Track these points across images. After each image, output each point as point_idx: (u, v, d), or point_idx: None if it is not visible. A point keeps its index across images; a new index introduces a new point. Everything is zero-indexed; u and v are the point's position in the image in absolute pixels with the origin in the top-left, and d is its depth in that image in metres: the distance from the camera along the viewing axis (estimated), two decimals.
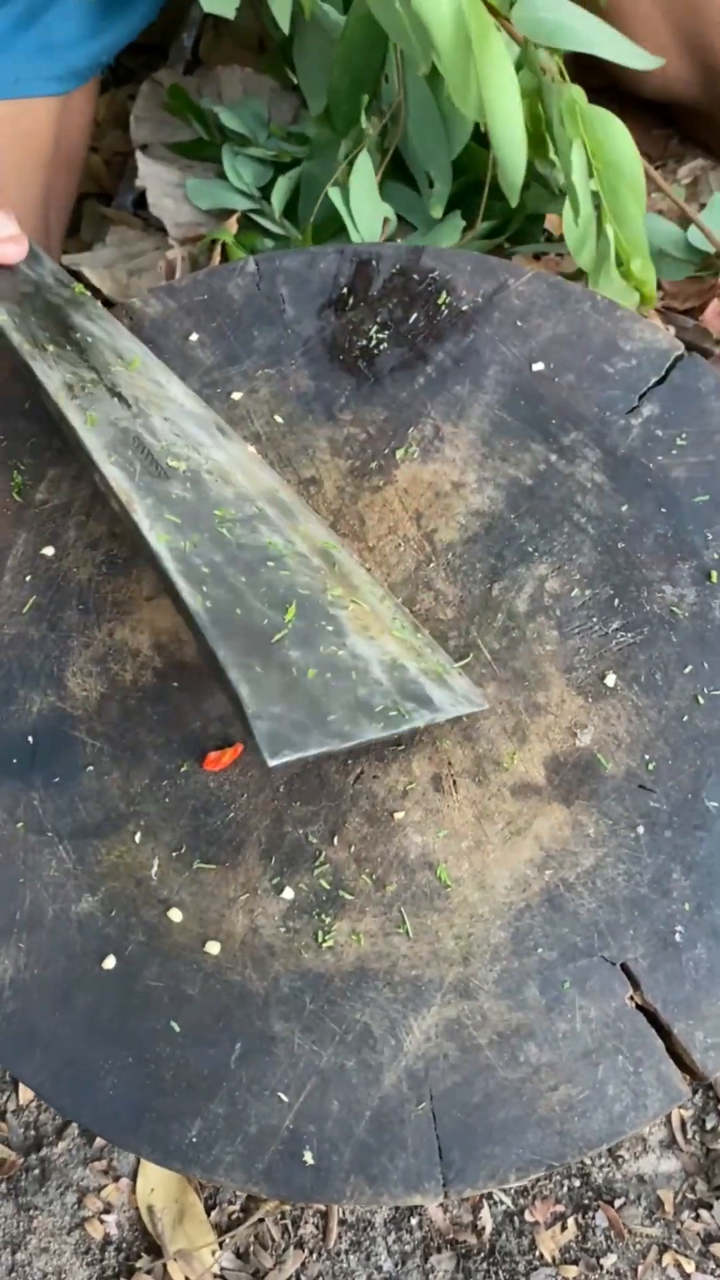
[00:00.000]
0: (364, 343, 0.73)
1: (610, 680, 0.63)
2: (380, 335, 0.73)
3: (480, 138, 0.92)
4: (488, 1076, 0.56)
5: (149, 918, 0.59)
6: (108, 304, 1.27)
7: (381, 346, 0.72)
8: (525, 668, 0.64)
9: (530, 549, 0.67)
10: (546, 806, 0.61)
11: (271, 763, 0.48)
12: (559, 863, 0.59)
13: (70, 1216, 0.95)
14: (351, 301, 0.74)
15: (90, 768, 0.62)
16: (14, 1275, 0.93)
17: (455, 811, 0.61)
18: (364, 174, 0.87)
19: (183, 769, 0.62)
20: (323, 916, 0.59)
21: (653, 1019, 0.57)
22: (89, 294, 0.69)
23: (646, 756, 0.61)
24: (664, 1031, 0.57)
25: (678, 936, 0.58)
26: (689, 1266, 0.92)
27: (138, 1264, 0.93)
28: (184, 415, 0.61)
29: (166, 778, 0.62)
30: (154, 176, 1.18)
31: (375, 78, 0.92)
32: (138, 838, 0.61)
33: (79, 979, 0.58)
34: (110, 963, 0.58)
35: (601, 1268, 0.92)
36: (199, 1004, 0.57)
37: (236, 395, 0.72)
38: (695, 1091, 0.96)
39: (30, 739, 0.63)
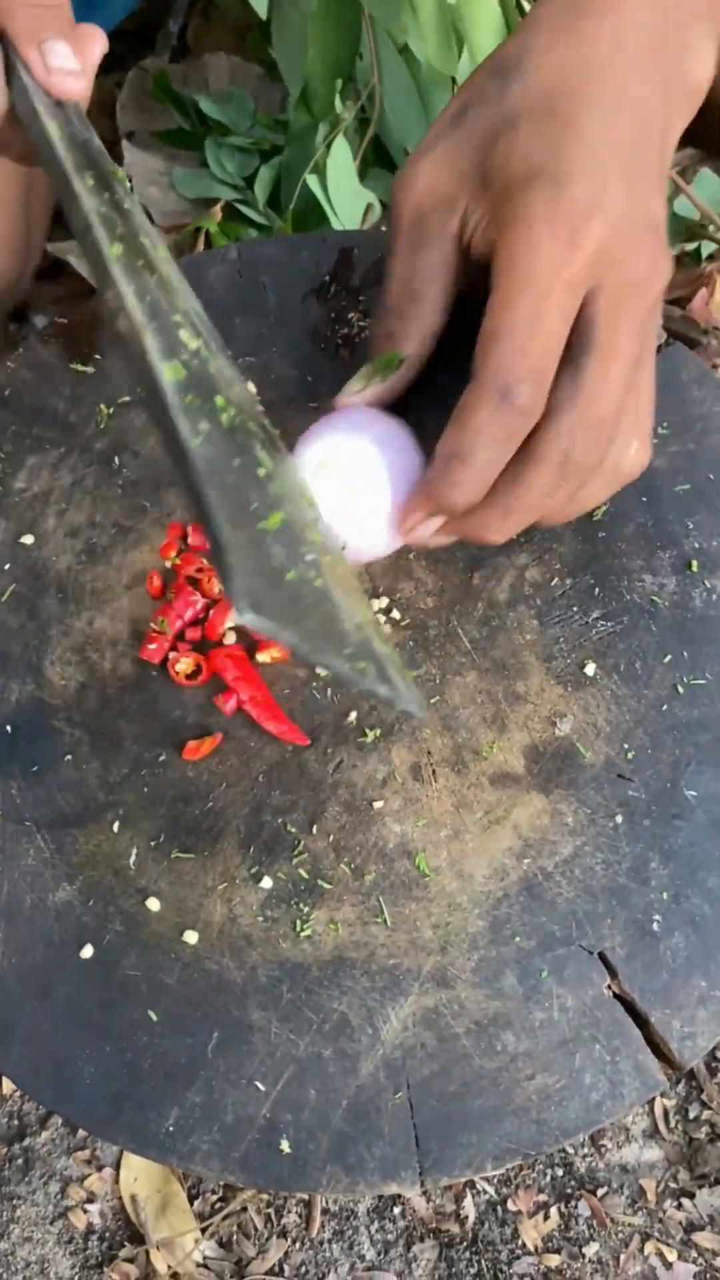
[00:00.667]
0: (346, 331, 0.72)
1: (590, 669, 0.63)
2: (362, 323, 0.72)
3: None
4: (465, 1065, 0.56)
5: (127, 907, 0.59)
6: (91, 292, 1.27)
7: (364, 335, 0.72)
8: (505, 657, 0.64)
9: (511, 538, 0.66)
10: (525, 795, 0.61)
11: (242, 617, 0.43)
12: (537, 851, 0.59)
13: (53, 1206, 0.95)
14: (334, 290, 0.74)
15: (69, 757, 0.62)
16: None
17: (434, 800, 0.61)
18: (341, 159, 0.87)
19: (161, 758, 0.62)
20: (301, 906, 0.59)
21: (630, 1008, 0.57)
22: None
23: (625, 746, 0.61)
24: (641, 1020, 0.57)
25: (655, 925, 0.58)
26: (671, 1255, 0.93)
27: (120, 1253, 0.93)
28: (198, 317, 0.58)
29: (145, 767, 0.62)
30: (140, 165, 1.17)
31: (350, 56, 0.91)
32: (116, 827, 0.60)
33: (57, 968, 0.58)
34: (88, 952, 0.58)
35: (584, 1256, 0.93)
36: (176, 993, 0.57)
37: None
38: (678, 1081, 0.97)
39: (8, 728, 0.63)
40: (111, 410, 0.70)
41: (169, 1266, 0.92)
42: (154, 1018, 0.57)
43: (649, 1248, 0.93)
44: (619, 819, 0.60)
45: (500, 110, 0.54)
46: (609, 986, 0.58)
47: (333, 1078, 0.56)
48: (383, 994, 0.57)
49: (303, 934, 0.58)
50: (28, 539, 0.67)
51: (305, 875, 0.59)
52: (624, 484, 0.58)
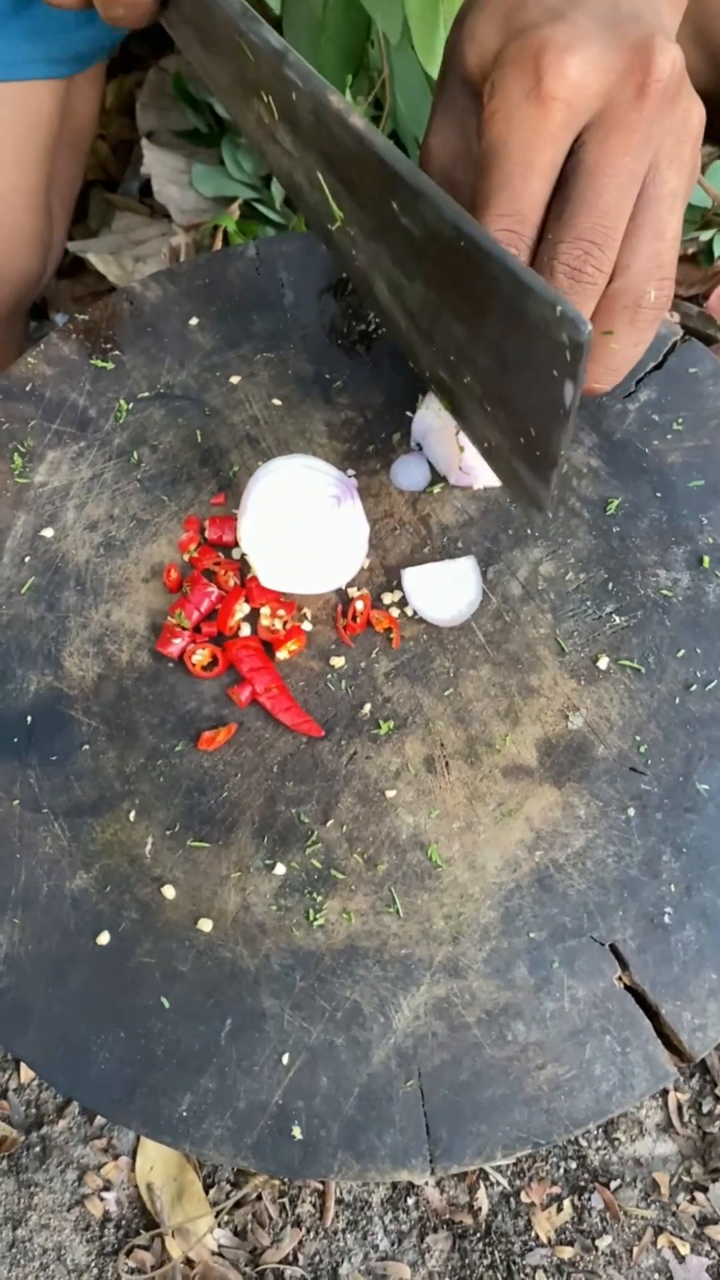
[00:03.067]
0: (362, 327, 0.73)
1: (603, 663, 0.63)
2: (378, 320, 0.73)
3: None
4: (476, 1055, 0.56)
5: (142, 895, 0.60)
6: (110, 290, 1.29)
7: (380, 331, 0.72)
8: (519, 650, 0.64)
9: (525, 532, 0.67)
10: (538, 788, 0.61)
11: (581, 334, 0.42)
12: (549, 844, 0.60)
13: (70, 1193, 0.96)
14: (350, 286, 0.74)
15: (86, 746, 0.63)
16: (14, 1251, 0.94)
17: (447, 792, 0.61)
18: None
19: (177, 749, 0.63)
20: (314, 895, 0.59)
21: (641, 999, 0.58)
22: None
23: (638, 739, 0.62)
24: (652, 1012, 0.57)
25: (666, 918, 0.58)
26: (684, 1248, 0.93)
27: (136, 1240, 0.94)
28: None
29: (161, 757, 0.62)
30: (159, 163, 1.18)
31: (361, 44, 0.92)
32: (132, 816, 0.61)
33: (73, 955, 0.59)
34: (105, 938, 0.59)
35: (597, 1249, 0.93)
36: (190, 980, 0.58)
37: (235, 379, 0.72)
38: (691, 1075, 0.97)
39: (28, 718, 0.63)
40: (130, 405, 0.71)
41: (184, 1254, 0.92)
42: (168, 1004, 0.58)
43: (662, 1241, 0.93)
44: (631, 812, 0.60)
45: (463, 37, 0.54)
46: (620, 978, 0.58)
47: (345, 1066, 0.56)
48: (395, 983, 0.58)
49: (316, 923, 0.59)
50: (48, 532, 0.68)
51: (318, 865, 0.60)
52: (649, 327, 0.54)
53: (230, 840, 0.61)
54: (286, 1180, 0.94)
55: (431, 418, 0.67)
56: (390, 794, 0.61)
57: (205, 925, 0.59)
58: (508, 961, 0.58)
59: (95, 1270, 0.93)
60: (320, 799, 0.61)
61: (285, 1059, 0.56)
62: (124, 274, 1.21)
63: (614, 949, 0.58)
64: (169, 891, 0.60)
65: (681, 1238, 0.93)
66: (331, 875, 0.60)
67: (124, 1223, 0.95)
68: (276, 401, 0.71)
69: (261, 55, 0.53)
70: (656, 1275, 0.92)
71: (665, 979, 0.57)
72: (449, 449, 0.66)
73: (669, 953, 0.58)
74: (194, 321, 0.74)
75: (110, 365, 0.72)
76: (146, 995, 0.58)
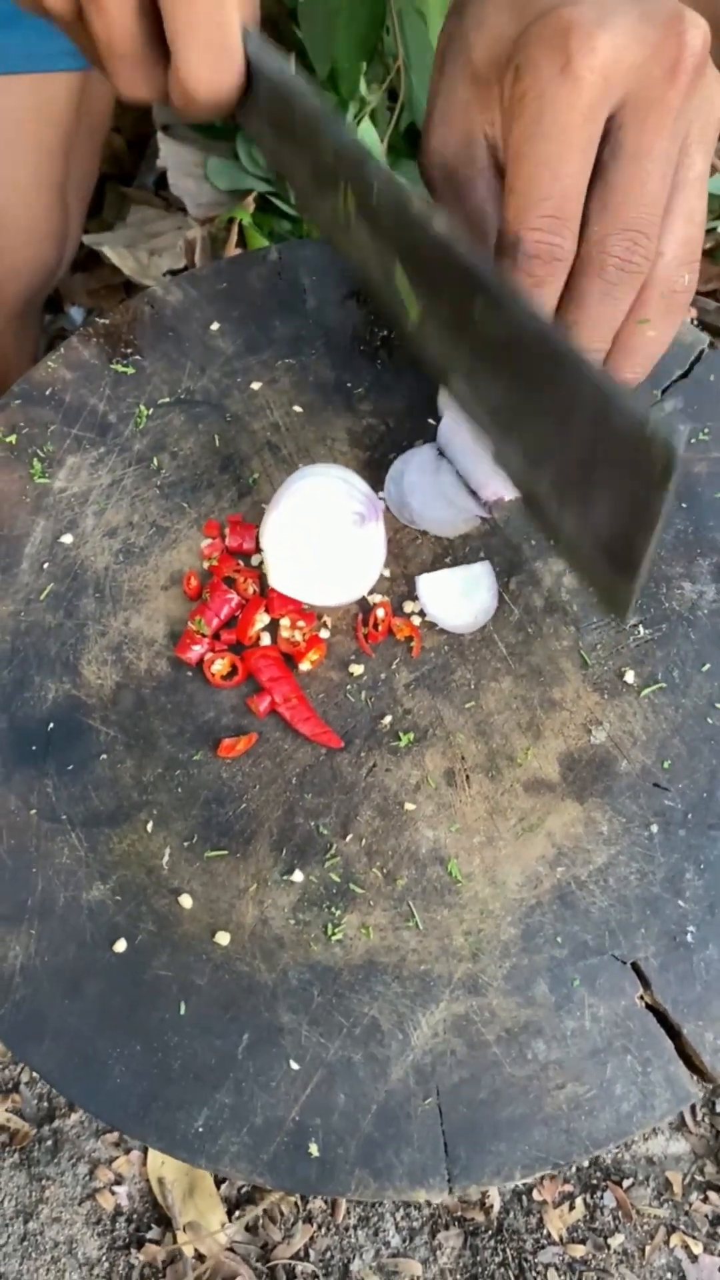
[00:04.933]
0: (385, 333, 0.72)
1: (628, 677, 0.63)
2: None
3: None
4: (495, 1073, 0.56)
5: (159, 907, 0.59)
6: (128, 286, 1.28)
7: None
8: (541, 663, 0.63)
9: (548, 544, 0.66)
10: (560, 803, 0.60)
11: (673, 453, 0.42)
12: (571, 860, 0.59)
13: (82, 1187, 0.96)
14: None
15: (104, 756, 0.62)
16: (26, 1244, 0.94)
17: (468, 806, 0.60)
18: (368, 142, 0.87)
19: (195, 758, 0.62)
20: (332, 909, 0.59)
21: (662, 1019, 0.57)
22: None
23: (662, 755, 0.61)
24: (673, 1032, 0.57)
25: (689, 937, 0.58)
26: (697, 1248, 0.92)
27: (148, 1235, 0.94)
28: None
29: (179, 767, 0.62)
30: (175, 157, 1.18)
31: (376, 32, 0.91)
32: (149, 827, 0.61)
33: (89, 966, 0.58)
34: (121, 946, 0.58)
35: (609, 1247, 0.92)
36: (207, 994, 0.57)
37: (256, 385, 0.71)
38: (717, 1093, 0.96)
39: (47, 726, 0.63)
40: (151, 411, 0.71)
41: (195, 1249, 0.92)
42: (184, 1018, 0.57)
43: (674, 1240, 0.93)
44: (654, 828, 0.59)
45: (467, 27, 0.53)
46: (641, 997, 0.57)
47: (362, 1082, 0.56)
48: (413, 999, 0.57)
49: (334, 938, 0.58)
50: (67, 538, 0.67)
51: (337, 879, 0.59)
52: (681, 312, 0.54)
53: (248, 852, 0.60)
54: None
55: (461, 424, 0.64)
56: (410, 807, 0.60)
57: (223, 938, 0.58)
58: (528, 979, 0.57)
59: (106, 1264, 0.93)
60: (339, 811, 0.61)
61: (303, 1075, 0.56)
62: (139, 267, 1.21)
63: (636, 967, 0.57)
64: (186, 903, 0.59)
65: (694, 1237, 0.93)
66: (350, 889, 0.59)
67: (135, 1217, 0.95)
68: (298, 408, 0.71)
69: (342, 153, 0.52)
70: (669, 1274, 0.92)
71: (687, 998, 0.57)
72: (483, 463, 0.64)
73: (691, 972, 0.57)
74: (215, 326, 0.73)
75: (131, 370, 0.72)
76: (163, 1008, 0.57)
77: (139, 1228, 0.95)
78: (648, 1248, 0.93)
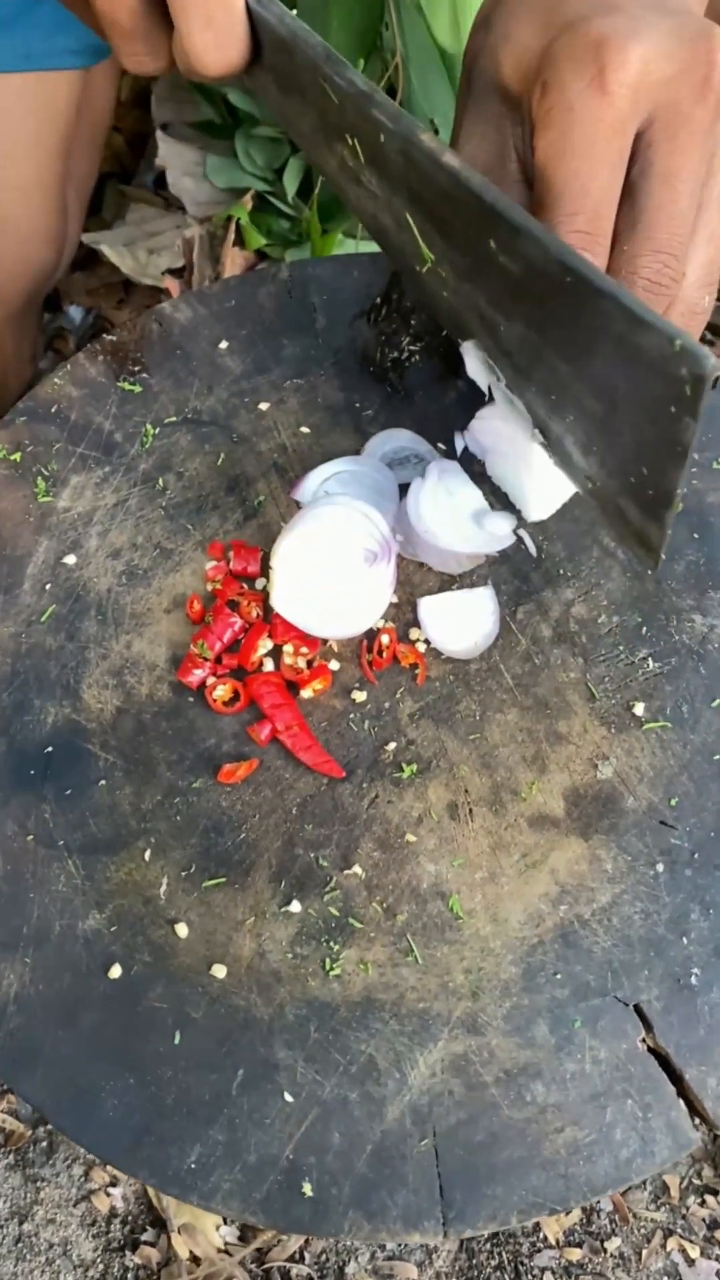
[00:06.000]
0: (396, 355, 0.71)
1: (636, 711, 0.62)
2: (412, 348, 0.71)
3: None
4: (492, 1115, 0.55)
5: (156, 937, 0.58)
6: (127, 285, 1.28)
7: (413, 360, 0.71)
8: (548, 695, 0.62)
9: (557, 572, 0.65)
10: (564, 839, 0.59)
11: (703, 368, 0.41)
12: (575, 898, 0.58)
13: (77, 1189, 0.95)
14: (384, 312, 0.72)
15: (102, 782, 0.62)
16: (20, 1245, 0.93)
17: (470, 841, 0.59)
18: None
19: (195, 786, 0.61)
20: (331, 944, 0.58)
21: (664, 1063, 0.56)
22: None
23: (669, 792, 0.60)
24: (675, 1076, 0.56)
25: (694, 979, 0.56)
26: (694, 1252, 0.92)
27: (143, 1237, 0.93)
28: None
29: (179, 795, 0.61)
30: (174, 155, 1.18)
31: (373, 27, 0.90)
32: (147, 855, 0.60)
33: (83, 996, 0.57)
34: (116, 972, 0.58)
35: (605, 1251, 0.92)
36: (202, 1027, 0.57)
37: (264, 406, 0.70)
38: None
39: (45, 751, 0.62)
40: (157, 430, 0.70)
41: (190, 1251, 0.91)
42: (179, 1051, 0.56)
43: (671, 1244, 0.92)
44: (660, 868, 0.58)
45: (494, 41, 0.52)
46: (644, 1040, 0.56)
47: (358, 1121, 0.55)
48: (411, 1038, 0.56)
49: (332, 973, 0.57)
50: (70, 559, 0.67)
51: (336, 913, 0.58)
52: (698, 332, 0.53)
53: (247, 883, 0.59)
54: None
55: (499, 423, 0.61)
56: (412, 840, 0.59)
57: (219, 971, 0.57)
58: (528, 1019, 0.56)
59: (101, 1266, 0.92)
60: (340, 843, 0.60)
61: (297, 1113, 0.55)
62: (138, 266, 1.20)
63: (638, 1010, 0.56)
64: (183, 934, 0.58)
65: (691, 1241, 0.92)
66: (349, 924, 0.58)
67: (130, 1219, 0.94)
68: (305, 429, 0.70)
69: (347, 97, 0.52)
70: (665, 1278, 0.91)
71: (691, 1042, 0.56)
72: (523, 464, 0.60)
73: (695, 1015, 0.56)
74: (223, 345, 0.73)
75: (137, 388, 0.71)
76: (157, 1041, 0.57)
77: (134, 1230, 0.94)
78: (644, 1252, 0.92)
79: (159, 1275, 0.91)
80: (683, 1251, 0.92)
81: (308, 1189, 0.54)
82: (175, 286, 1.16)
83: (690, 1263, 0.91)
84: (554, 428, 0.53)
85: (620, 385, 0.45)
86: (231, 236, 1.11)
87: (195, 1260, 0.91)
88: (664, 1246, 0.92)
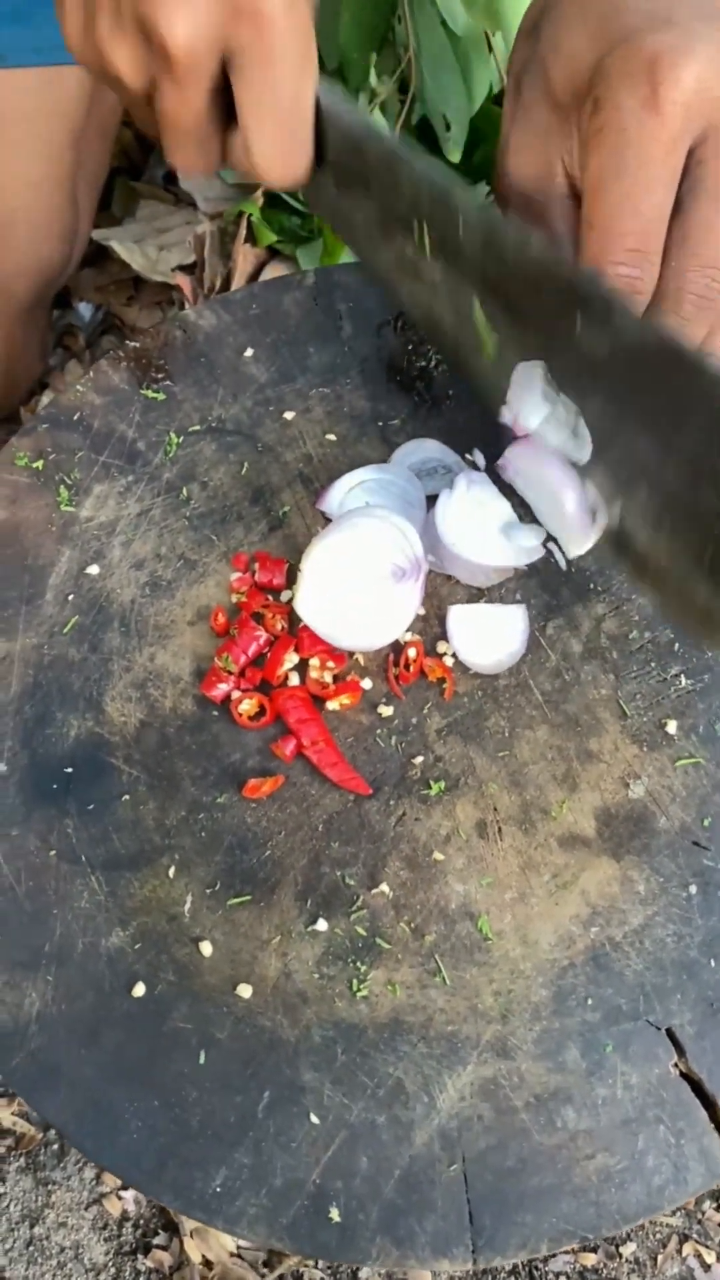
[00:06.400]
0: (422, 364, 0.70)
1: (669, 729, 0.61)
2: (439, 356, 0.70)
3: (501, 99, 0.90)
4: (523, 1140, 0.54)
5: (180, 956, 0.58)
6: (137, 281, 1.26)
7: (440, 369, 0.70)
8: (578, 712, 0.61)
9: (587, 586, 0.64)
10: (595, 860, 0.58)
11: None
12: (606, 920, 0.57)
13: (88, 1192, 0.95)
14: (411, 321, 0.71)
15: (126, 797, 0.61)
16: (32, 1249, 0.93)
17: (500, 860, 0.59)
18: None
19: (219, 802, 0.60)
20: (358, 964, 0.57)
21: (698, 1088, 0.55)
22: None
23: (702, 812, 0.59)
24: (708, 1102, 0.55)
25: None
26: (709, 1257, 0.91)
27: (155, 1241, 0.93)
28: None
29: (203, 810, 0.60)
30: None
31: (385, 20, 0.89)
32: (171, 872, 0.59)
33: (106, 1016, 0.57)
34: (139, 991, 0.57)
35: (621, 1256, 0.91)
36: (227, 1048, 0.56)
37: (289, 415, 0.70)
38: None
39: (67, 765, 0.61)
40: (181, 439, 0.69)
41: (202, 1255, 0.91)
42: (204, 1072, 0.55)
43: (687, 1249, 0.91)
44: (693, 889, 0.57)
45: (543, 51, 0.51)
46: (676, 1065, 0.55)
47: (386, 1146, 0.54)
48: (440, 1061, 0.55)
49: (359, 994, 0.56)
50: (93, 569, 0.66)
51: (363, 932, 0.57)
52: None
53: (272, 902, 0.58)
54: None
55: (540, 459, 0.58)
56: (440, 859, 0.59)
57: (245, 991, 0.57)
58: (559, 1043, 0.55)
59: (113, 1269, 0.92)
60: (366, 862, 0.59)
61: (324, 1136, 0.54)
62: (148, 263, 1.19)
63: (670, 1034, 0.55)
64: (207, 953, 0.57)
65: (707, 1246, 0.91)
66: (377, 944, 0.57)
67: (142, 1222, 0.94)
68: (331, 439, 0.69)
69: (424, 187, 0.52)
70: None
71: None
72: (565, 500, 0.57)
73: None
74: (248, 353, 0.72)
75: (161, 396, 0.70)
76: (181, 1062, 0.56)
77: (145, 1233, 0.93)
78: (660, 1256, 0.91)
79: (171, 1279, 0.91)
80: (698, 1257, 0.91)
81: (335, 1214, 0.53)
82: (186, 283, 1.15)
83: (706, 1268, 0.91)
84: (620, 506, 0.54)
85: (709, 459, 0.46)
86: (243, 233, 1.10)
87: (208, 1264, 0.90)
88: (679, 1252, 0.92)
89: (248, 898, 0.58)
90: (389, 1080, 0.55)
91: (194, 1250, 0.91)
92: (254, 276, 1.10)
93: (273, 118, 0.51)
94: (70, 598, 0.65)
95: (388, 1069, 0.55)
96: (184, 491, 0.68)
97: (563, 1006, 0.56)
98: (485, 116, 0.93)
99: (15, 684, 0.63)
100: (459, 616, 0.63)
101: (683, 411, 0.46)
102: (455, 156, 0.95)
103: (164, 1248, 0.92)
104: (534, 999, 0.56)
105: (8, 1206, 0.94)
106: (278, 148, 0.52)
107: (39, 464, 0.68)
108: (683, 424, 0.47)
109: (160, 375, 0.71)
